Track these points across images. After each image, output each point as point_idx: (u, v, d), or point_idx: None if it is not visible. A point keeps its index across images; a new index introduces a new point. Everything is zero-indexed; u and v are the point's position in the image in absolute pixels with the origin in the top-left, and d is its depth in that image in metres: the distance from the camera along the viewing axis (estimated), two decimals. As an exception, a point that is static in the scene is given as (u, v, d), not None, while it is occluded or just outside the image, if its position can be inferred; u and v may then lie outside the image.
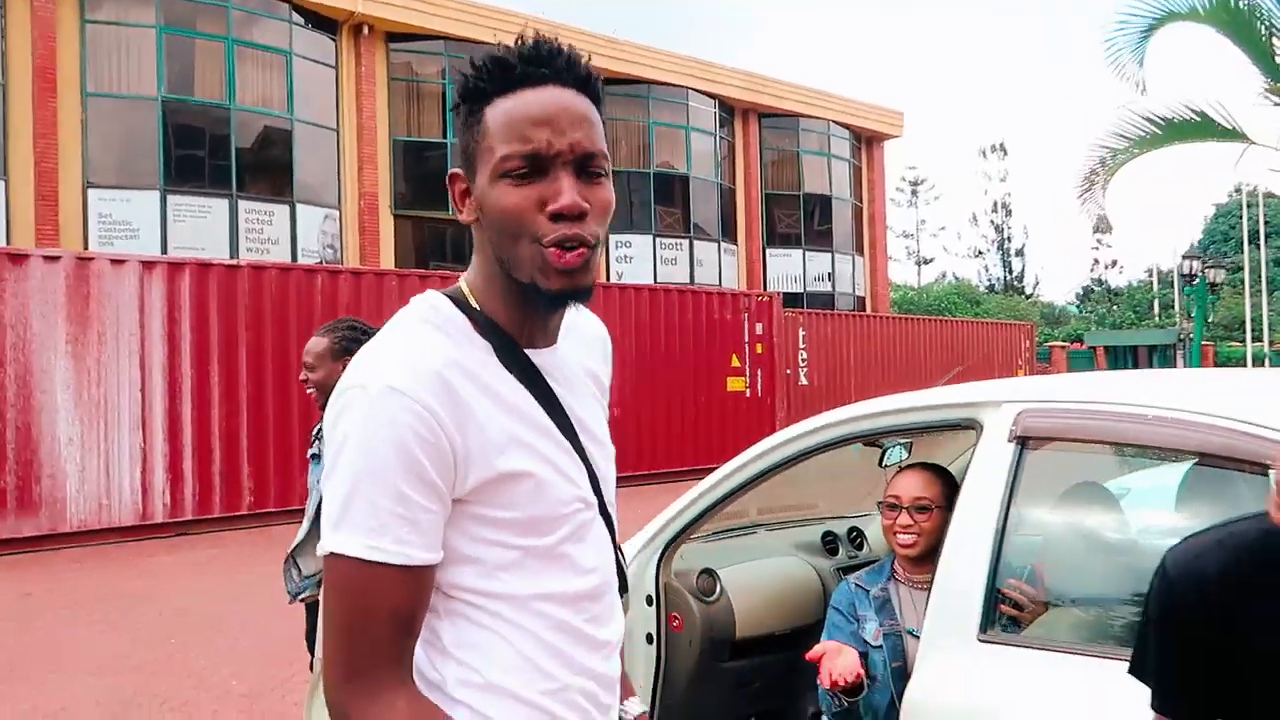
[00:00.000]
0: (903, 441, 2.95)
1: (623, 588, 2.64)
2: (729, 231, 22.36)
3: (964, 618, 1.90)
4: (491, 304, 1.16)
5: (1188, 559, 1.18)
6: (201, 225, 14.92)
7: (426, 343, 1.10)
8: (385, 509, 1.03)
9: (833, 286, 24.18)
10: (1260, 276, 31.83)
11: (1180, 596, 1.17)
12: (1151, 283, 44.49)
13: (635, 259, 20.10)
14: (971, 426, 2.08)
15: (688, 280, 20.17)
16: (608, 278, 18.16)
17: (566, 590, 1.15)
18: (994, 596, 1.91)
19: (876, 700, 2.26)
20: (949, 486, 2.29)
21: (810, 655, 2.20)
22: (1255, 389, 1.81)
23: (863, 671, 2.14)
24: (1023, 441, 1.96)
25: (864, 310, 24.37)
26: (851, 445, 2.37)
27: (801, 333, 16.86)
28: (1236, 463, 1.67)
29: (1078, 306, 49.40)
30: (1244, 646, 1.13)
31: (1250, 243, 33.38)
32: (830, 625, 2.40)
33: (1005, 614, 2.05)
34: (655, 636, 2.72)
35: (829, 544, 3.06)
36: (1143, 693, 1.66)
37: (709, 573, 2.73)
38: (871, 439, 2.82)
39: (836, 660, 2.13)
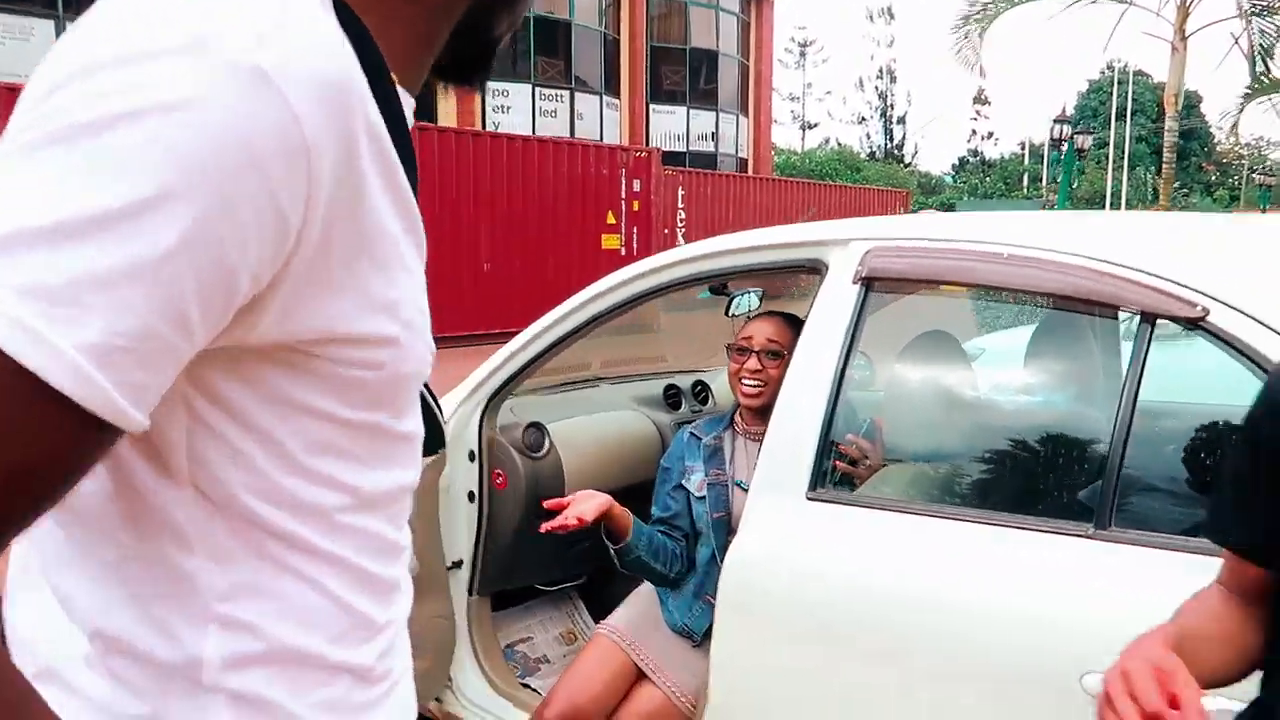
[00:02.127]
0: (753, 290, 2.75)
1: (440, 443, 2.41)
2: (612, 85, 21.52)
3: (794, 472, 1.73)
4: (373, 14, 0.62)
5: None
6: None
7: (318, 19, 0.56)
8: (149, 310, 0.50)
9: (715, 147, 23.80)
10: (1124, 152, 33.06)
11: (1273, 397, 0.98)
12: (1023, 156, 45.71)
13: (513, 109, 19.16)
14: (817, 269, 1.87)
15: (568, 134, 19.44)
16: (483, 125, 17.31)
17: (393, 486, 0.72)
18: (828, 451, 1.75)
19: (699, 554, 2.11)
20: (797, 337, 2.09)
21: (550, 504, 2.07)
22: (1116, 230, 1.65)
23: (608, 514, 2.03)
24: (868, 283, 1.76)
25: (746, 172, 24.17)
26: (694, 289, 2.14)
27: (681, 192, 16.56)
28: (1096, 305, 1.51)
29: (953, 176, 50.52)
30: None
31: (1118, 119, 34.48)
32: (658, 479, 2.23)
33: (840, 470, 1.90)
34: (477, 495, 2.50)
35: (671, 398, 2.88)
36: (971, 551, 1.54)
37: (537, 427, 2.51)
38: (716, 283, 2.61)
39: (577, 505, 1.98)
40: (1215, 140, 42.75)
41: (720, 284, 2.70)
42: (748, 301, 2.64)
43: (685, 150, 22.92)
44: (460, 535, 2.53)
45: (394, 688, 0.79)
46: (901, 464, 1.91)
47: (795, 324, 2.11)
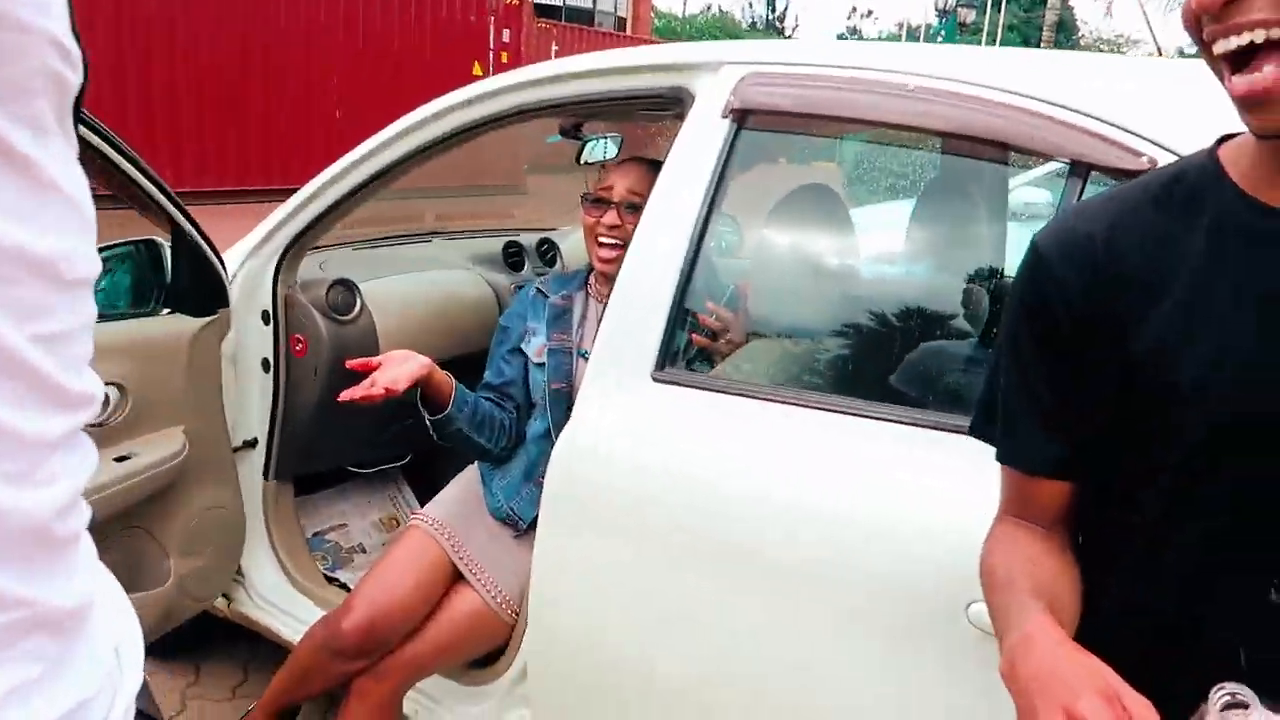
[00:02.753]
0: (610, 135, 2.36)
1: (219, 300, 1.97)
2: (485, -74, 19.93)
3: (639, 347, 1.41)
4: None
5: (1064, 224, 0.84)
6: None
7: None
8: None
9: (594, 4, 22.59)
10: (996, 40, 33.40)
11: (1052, 270, 0.82)
12: (900, 35, 45.68)
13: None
14: (681, 100, 1.51)
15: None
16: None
17: (43, 254, 0.43)
18: (681, 323, 1.43)
19: (532, 428, 1.80)
20: None
21: (353, 364, 1.72)
22: (1038, 67, 1.35)
23: (427, 380, 1.71)
24: (740, 117, 1.42)
25: (624, 32, 23.14)
26: (533, 120, 1.74)
27: (555, 47, 15.65)
28: (1023, 152, 1.21)
29: (831, 54, 50.12)
30: (1140, 331, 0.78)
31: (993, 7, 34.68)
32: (494, 339, 1.89)
33: (697, 344, 1.59)
34: (273, 363, 2.10)
35: (512, 257, 2.51)
36: (837, 447, 1.28)
37: (345, 284, 2.10)
38: (567, 122, 2.23)
39: (387, 369, 1.65)
40: (1080, 35, 43.81)
41: (572, 126, 2.31)
42: (603, 148, 2.26)
43: (561, 4, 21.66)
44: (253, 410, 2.14)
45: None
46: (767, 339, 1.62)
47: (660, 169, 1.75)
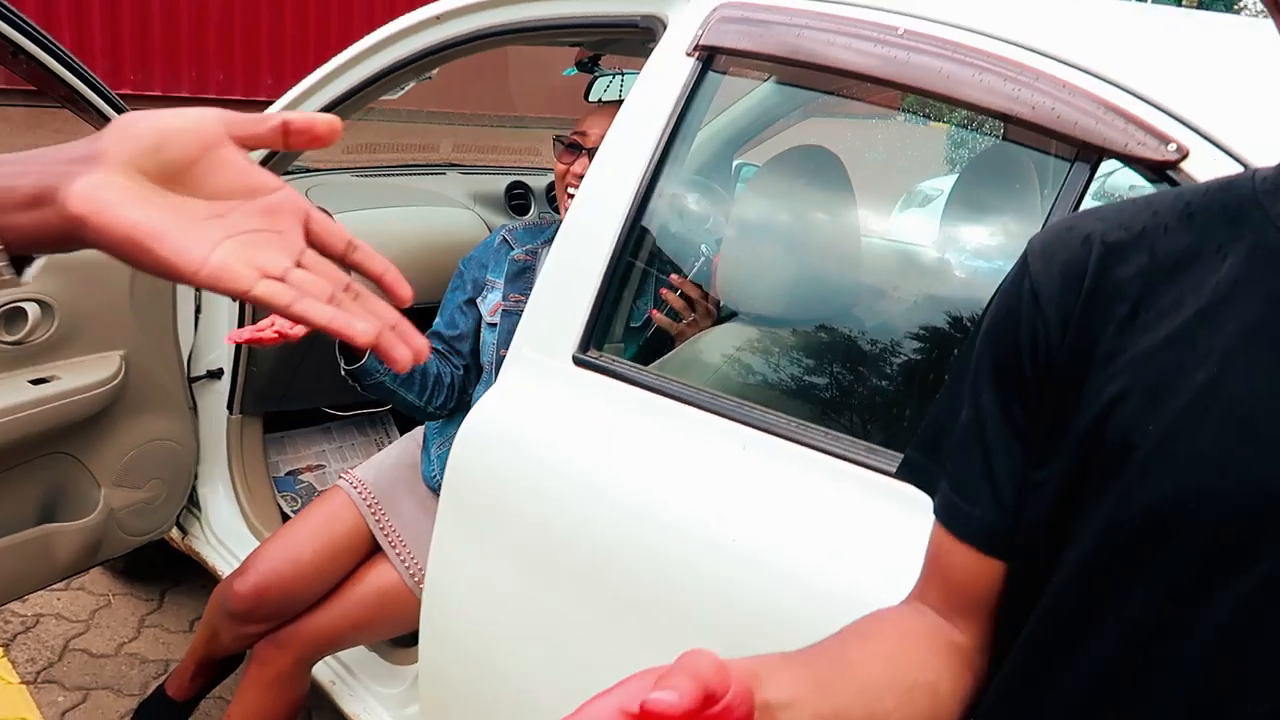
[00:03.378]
0: (627, 72, 2.12)
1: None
2: None
3: (564, 322, 1.20)
4: None
5: (1064, 222, 0.64)
6: None
7: None
8: None
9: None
10: None
11: (1030, 274, 0.61)
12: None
13: None
14: (652, 31, 1.27)
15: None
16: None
17: None
18: (614, 296, 1.22)
19: (476, 394, 1.62)
20: None
21: (233, 336, 1.52)
22: (1061, 17, 1.05)
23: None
24: (708, 56, 1.17)
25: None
26: (492, 46, 1.53)
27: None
28: (1023, 126, 0.94)
29: None
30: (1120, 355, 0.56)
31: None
32: (451, 282, 1.70)
33: (656, 322, 1.38)
34: (240, 292, 1.95)
35: (517, 198, 2.30)
36: (780, 480, 1.05)
37: (322, 214, 1.93)
38: (585, 53, 2.00)
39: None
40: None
41: (590, 58, 2.08)
42: (617, 85, 2.02)
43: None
44: (220, 339, 2.01)
45: None
46: (737, 323, 1.39)
47: None
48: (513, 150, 2.61)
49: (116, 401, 1.75)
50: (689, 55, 1.18)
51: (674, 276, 1.38)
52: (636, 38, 1.32)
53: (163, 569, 2.41)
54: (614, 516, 1.08)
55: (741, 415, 1.03)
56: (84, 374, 1.68)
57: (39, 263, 1.61)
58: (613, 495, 1.08)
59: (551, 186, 2.44)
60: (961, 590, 0.66)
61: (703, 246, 1.42)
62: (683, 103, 1.17)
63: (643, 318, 1.39)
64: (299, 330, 1.38)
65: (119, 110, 1.63)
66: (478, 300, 1.63)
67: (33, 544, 1.67)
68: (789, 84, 1.21)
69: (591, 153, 1.50)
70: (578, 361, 1.18)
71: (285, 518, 2.18)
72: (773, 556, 0.95)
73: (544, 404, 1.20)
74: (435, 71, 1.80)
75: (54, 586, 2.25)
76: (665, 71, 1.20)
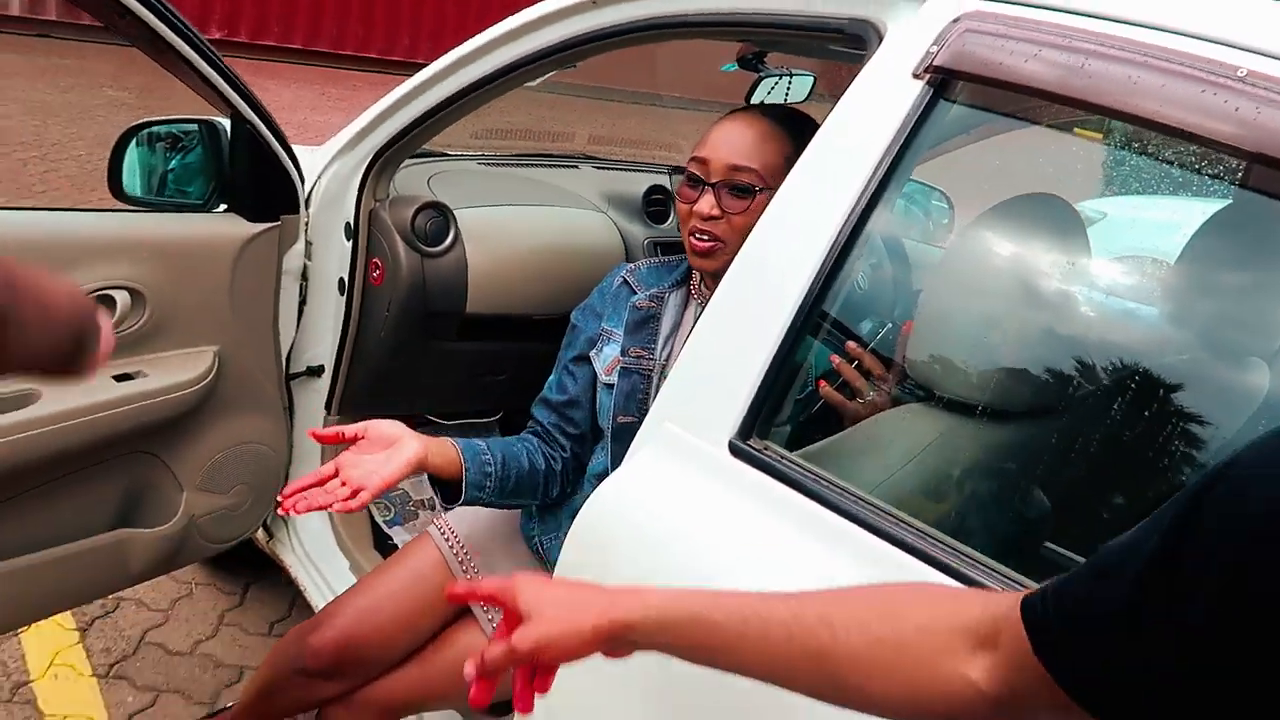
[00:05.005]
0: (800, 72, 1.86)
1: (288, 206, 1.67)
2: None
3: (722, 399, 0.97)
4: None
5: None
6: None
7: None
8: None
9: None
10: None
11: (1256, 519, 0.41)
12: None
13: None
14: (863, 40, 1.01)
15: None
16: None
17: None
18: (791, 374, 0.98)
19: (593, 463, 1.40)
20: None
21: (317, 434, 1.29)
22: None
23: (422, 465, 1.25)
24: (942, 79, 0.91)
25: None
26: (656, 40, 1.29)
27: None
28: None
29: None
30: None
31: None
32: (566, 336, 1.47)
33: (826, 398, 1.13)
34: (349, 286, 1.79)
35: (655, 204, 2.06)
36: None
37: (439, 210, 1.74)
38: (745, 49, 1.75)
39: (362, 459, 1.24)
40: None
41: (753, 54, 1.82)
42: (783, 88, 1.76)
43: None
44: (325, 334, 1.85)
45: None
46: (926, 405, 1.12)
47: (799, 132, 1.26)
48: (654, 144, 2.36)
49: (207, 400, 1.60)
50: (916, 77, 0.92)
51: (850, 345, 1.12)
52: (842, 46, 1.07)
53: (248, 563, 2.29)
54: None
55: (946, 560, 0.78)
56: (174, 372, 1.53)
57: (150, 260, 1.46)
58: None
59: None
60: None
61: (889, 317, 1.16)
62: (903, 138, 0.91)
63: (808, 388, 1.14)
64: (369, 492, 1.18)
65: (248, 97, 1.46)
66: (592, 356, 1.40)
67: (106, 550, 1.54)
68: (1049, 124, 0.93)
69: (714, 187, 1.25)
70: (735, 451, 0.95)
71: (375, 527, 2.03)
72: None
73: (685, 498, 0.97)
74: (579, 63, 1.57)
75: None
76: (880, 95, 0.95)
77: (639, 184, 2.09)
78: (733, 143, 1.23)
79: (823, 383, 1.12)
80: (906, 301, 1.17)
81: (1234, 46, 0.74)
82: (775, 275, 0.97)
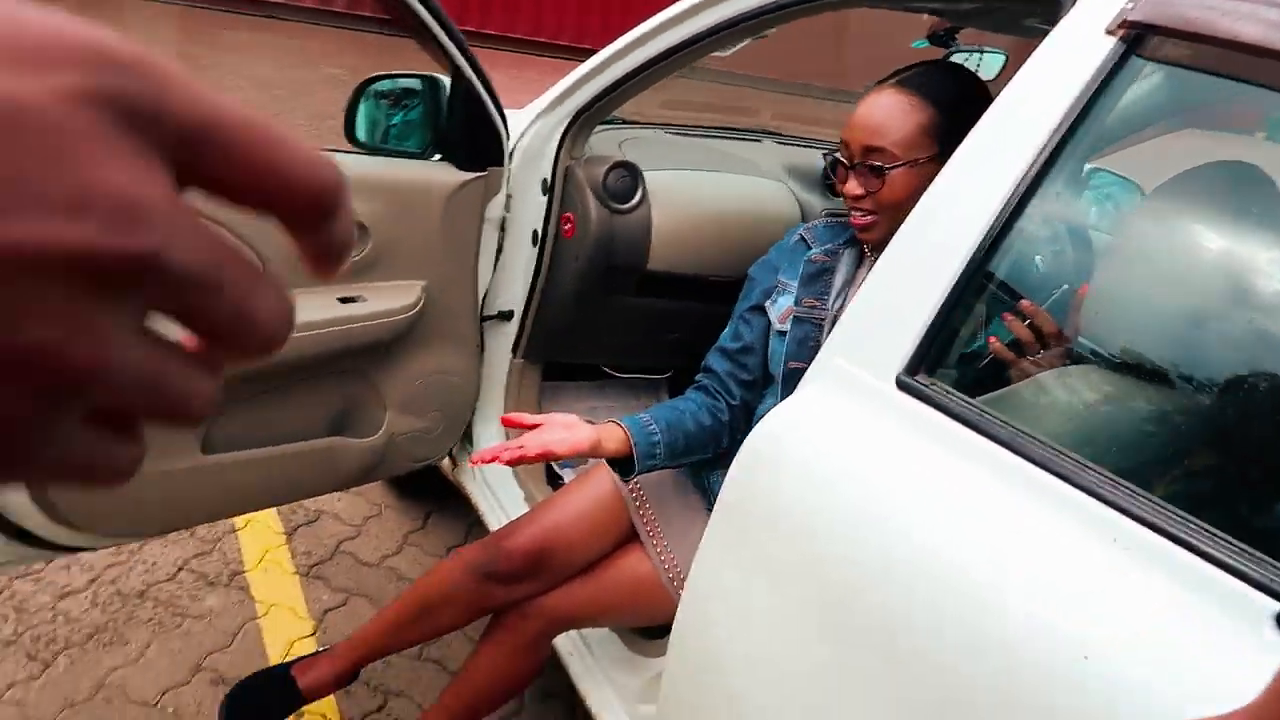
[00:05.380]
0: (989, 50, 1.86)
1: (494, 158, 1.82)
2: None
3: (890, 337, 1.03)
4: None
5: None
6: None
7: None
8: None
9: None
10: None
11: None
12: None
13: None
14: (1056, 5, 1.04)
15: None
16: None
17: None
18: (961, 316, 1.02)
19: (762, 405, 1.48)
20: (953, 119, 1.26)
21: (507, 419, 1.42)
22: None
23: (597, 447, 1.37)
24: (1135, 36, 0.93)
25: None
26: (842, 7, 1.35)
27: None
28: None
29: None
30: None
31: None
32: (743, 289, 1.56)
33: (994, 352, 1.16)
34: (541, 237, 1.94)
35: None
36: (1131, 576, 0.82)
37: (628, 170, 1.85)
38: (936, 24, 1.78)
39: (545, 432, 1.34)
40: None
41: (946, 30, 1.84)
42: (973, 65, 1.78)
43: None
44: (517, 283, 2.01)
45: None
46: (1097, 366, 1.14)
47: (936, 88, 1.30)
48: (837, 124, 2.40)
49: (412, 330, 1.78)
50: (1109, 33, 0.95)
51: (1025, 303, 1.15)
52: (1035, 12, 1.10)
53: (430, 490, 2.49)
54: (914, 576, 0.90)
55: (1118, 499, 0.81)
56: (388, 299, 1.71)
57: (375, 199, 1.65)
58: (921, 553, 0.90)
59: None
60: None
61: (1064, 279, 1.18)
62: (1090, 94, 0.94)
63: (975, 343, 1.18)
64: (557, 452, 1.33)
65: (468, 56, 1.61)
66: (766, 305, 1.47)
67: (322, 453, 1.73)
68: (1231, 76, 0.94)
69: (854, 169, 1.30)
70: (902, 385, 1.00)
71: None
72: (1133, 692, 0.73)
73: (851, 428, 1.03)
74: (772, 30, 1.64)
75: (335, 489, 2.38)
76: (1069, 51, 0.98)
77: (819, 159, 2.15)
78: (868, 123, 1.28)
79: (994, 340, 1.16)
80: (1084, 264, 1.19)
81: None
82: (950, 227, 1.02)
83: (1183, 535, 0.78)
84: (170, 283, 0.19)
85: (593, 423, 2.40)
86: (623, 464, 1.42)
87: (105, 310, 0.18)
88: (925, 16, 1.92)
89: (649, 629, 1.64)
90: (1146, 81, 1.00)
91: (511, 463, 1.29)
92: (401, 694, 1.90)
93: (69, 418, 0.19)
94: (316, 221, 0.23)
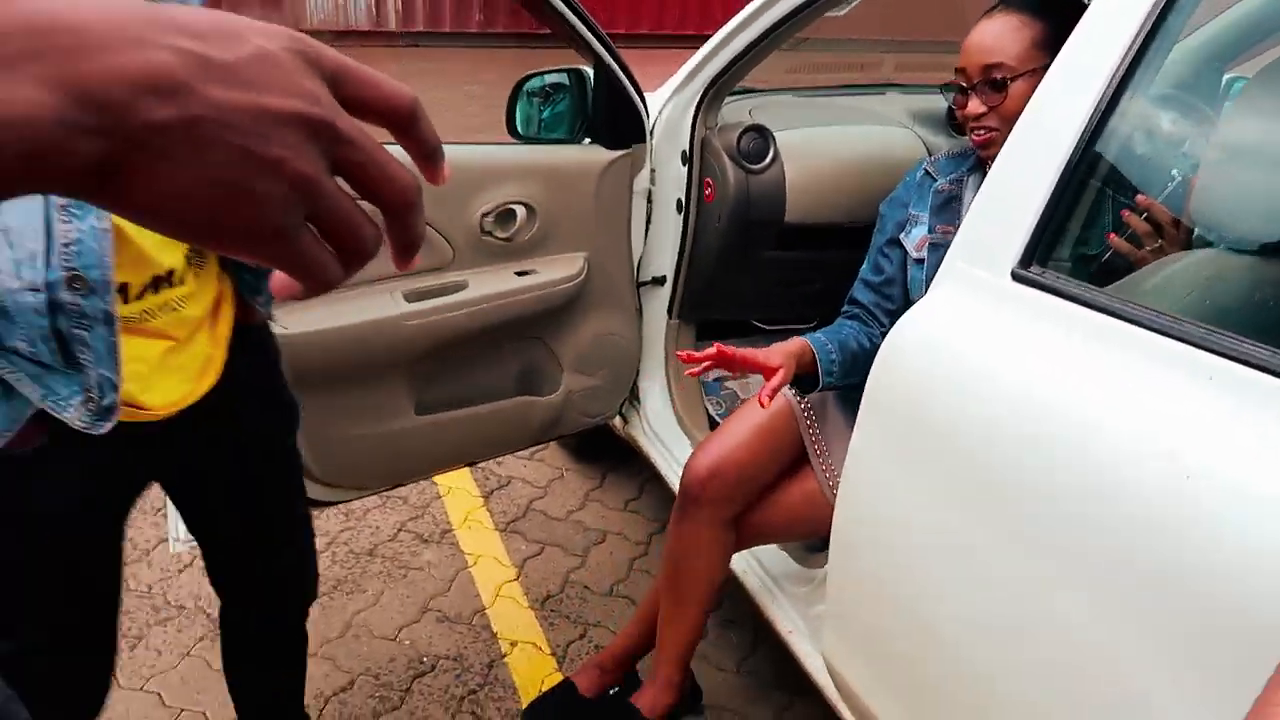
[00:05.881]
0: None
1: (637, 136, 2.01)
2: None
3: (1005, 235, 1.15)
4: None
5: None
6: None
7: None
8: None
9: None
10: None
11: None
12: None
13: None
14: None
15: None
16: None
17: None
18: (1068, 208, 1.14)
19: None
20: (1060, 29, 1.36)
21: (732, 356, 1.50)
22: None
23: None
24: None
25: None
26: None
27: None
28: None
29: None
30: None
31: None
32: (876, 225, 1.69)
33: (1114, 248, 1.27)
34: (685, 204, 2.12)
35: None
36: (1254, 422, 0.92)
37: (759, 132, 2.01)
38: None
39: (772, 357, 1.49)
40: None
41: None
42: None
43: None
44: (666, 249, 2.20)
45: None
46: (1213, 252, 1.22)
47: (1053, 13, 1.40)
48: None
49: (579, 297, 2.00)
50: (1183, -64, 1.04)
51: (1140, 198, 1.24)
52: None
53: (604, 453, 2.72)
54: (1045, 440, 1.02)
55: (1209, 343, 0.92)
56: (556, 270, 1.93)
57: (538, 182, 1.88)
58: (1047, 417, 1.03)
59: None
60: None
61: (1174, 170, 1.27)
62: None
63: (1100, 245, 1.28)
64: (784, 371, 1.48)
65: (608, 47, 1.82)
66: (902, 238, 1.61)
67: (514, 410, 1.98)
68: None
69: (975, 89, 1.41)
70: (1017, 277, 1.13)
71: (710, 418, 2.35)
72: (1232, 503, 0.84)
73: (976, 319, 1.16)
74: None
75: (520, 455, 2.65)
76: (1151, -43, 1.07)
77: (942, 102, 2.23)
78: (982, 45, 1.39)
79: (1112, 235, 1.26)
80: (1193, 155, 1.27)
81: None
82: (1052, 125, 1.13)
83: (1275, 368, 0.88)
84: (342, 139, 0.36)
85: (746, 377, 2.55)
86: (801, 381, 1.58)
87: (312, 149, 0.35)
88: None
89: (814, 545, 1.79)
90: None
91: (716, 361, 1.45)
92: (599, 625, 2.13)
93: (299, 211, 0.35)
94: (406, 125, 0.39)
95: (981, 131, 1.44)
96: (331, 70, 0.36)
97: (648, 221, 2.16)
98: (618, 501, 2.60)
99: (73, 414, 0.94)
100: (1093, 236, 1.22)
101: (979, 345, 1.15)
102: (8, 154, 0.28)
